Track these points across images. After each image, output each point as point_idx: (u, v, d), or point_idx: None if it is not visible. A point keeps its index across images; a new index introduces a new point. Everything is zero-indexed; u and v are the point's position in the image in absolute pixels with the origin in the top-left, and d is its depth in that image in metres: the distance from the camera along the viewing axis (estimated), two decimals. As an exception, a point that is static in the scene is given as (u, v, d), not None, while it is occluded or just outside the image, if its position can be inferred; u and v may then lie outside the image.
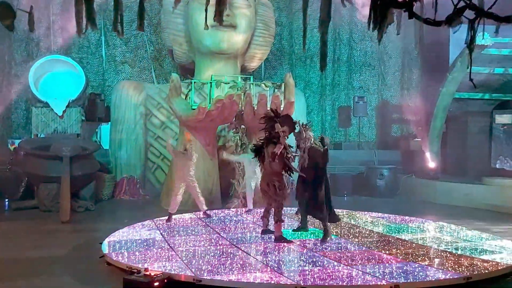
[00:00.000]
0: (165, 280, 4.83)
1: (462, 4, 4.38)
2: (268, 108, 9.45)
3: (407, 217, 8.67)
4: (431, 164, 12.26)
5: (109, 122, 12.52)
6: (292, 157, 6.57)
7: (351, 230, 7.50)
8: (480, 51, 11.21)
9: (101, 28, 13.36)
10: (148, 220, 8.18)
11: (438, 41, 13.09)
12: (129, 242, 6.62)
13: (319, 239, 6.74)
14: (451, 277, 5.02)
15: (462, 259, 5.72)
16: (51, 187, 9.66)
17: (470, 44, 4.70)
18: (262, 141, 6.64)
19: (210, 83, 9.99)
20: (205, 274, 5.00)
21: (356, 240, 6.80)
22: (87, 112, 12.42)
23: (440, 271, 5.24)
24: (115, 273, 5.40)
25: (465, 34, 5.03)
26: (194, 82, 10.34)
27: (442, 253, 6.08)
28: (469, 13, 4.72)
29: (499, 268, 5.42)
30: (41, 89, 11.94)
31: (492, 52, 12.08)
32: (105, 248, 6.21)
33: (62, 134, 11.61)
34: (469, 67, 5.03)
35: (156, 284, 4.70)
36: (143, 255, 5.83)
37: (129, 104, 12.13)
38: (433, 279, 4.96)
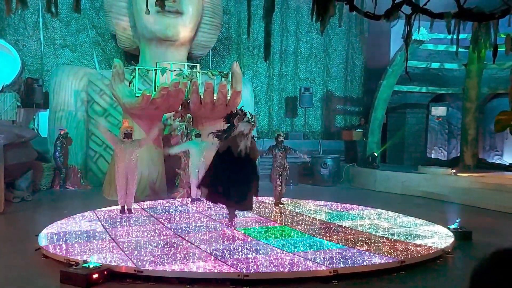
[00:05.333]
0: (105, 272, 4.71)
1: (399, -1, 4.55)
2: (215, 97, 9.45)
3: (348, 205, 8.99)
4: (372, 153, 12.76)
5: (48, 109, 11.94)
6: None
7: (295, 218, 7.67)
8: (418, 46, 11.77)
9: (39, 9, 12.63)
10: (89, 211, 7.92)
11: (380, 35, 13.58)
12: (68, 233, 6.38)
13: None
14: (386, 261, 5.28)
15: (398, 244, 6.03)
16: (-17, 177, 9.07)
17: (407, 38, 4.90)
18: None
19: (155, 70, 9.77)
20: (147, 265, 4.93)
21: (300, 227, 6.96)
22: (24, 97, 11.76)
23: (377, 255, 5.50)
24: (52, 266, 5.18)
25: (403, 29, 5.25)
26: (138, 69, 10.07)
27: (379, 239, 6.36)
28: (407, 9, 4.92)
29: (431, 251, 5.77)
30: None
31: (429, 47, 12.71)
32: (41, 241, 5.95)
33: (-5, 121, 10.93)
34: (406, 60, 5.26)
35: (95, 276, 4.57)
36: (82, 247, 5.65)
37: (69, 90, 11.60)
38: (370, 264, 5.19)
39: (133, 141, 7.98)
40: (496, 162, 13.52)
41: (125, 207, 7.90)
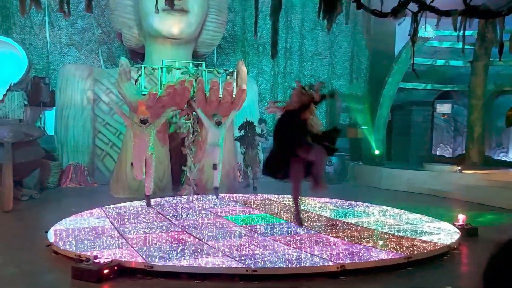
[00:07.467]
0: (115, 267, 4.78)
1: (406, -3, 4.58)
2: (220, 95, 9.49)
3: (353, 202, 9.01)
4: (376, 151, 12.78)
5: (54, 107, 12.03)
6: None
7: (301, 215, 7.69)
8: (424, 43, 11.75)
9: (45, 8, 12.70)
10: (97, 208, 8.00)
11: (385, 32, 13.56)
12: (77, 230, 6.45)
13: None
14: (393, 257, 5.31)
15: (404, 241, 6.05)
16: (-9, 175, 9.17)
17: (413, 35, 4.93)
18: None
19: (161, 68, 9.82)
20: (157, 260, 4.99)
21: (305, 224, 7.00)
22: (31, 96, 11.84)
23: (383, 251, 5.53)
24: (62, 262, 5.26)
25: (409, 26, 5.28)
26: (144, 67, 10.13)
27: (385, 235, 6.40)
28: (413, 7, 4.95)
29: (437, 248, 5.79)
30: (-22, 71, 11.24)
31: (434, 44, 12.69)
32: (51, 237, 6.02)
33: (3, 119, 11.01)
34: (412, 58, 5.28)
35: (106, 271, 4.64)
36: (92, 243, 5.71)
37: (75, 88, 11.68)
38: (376, 259, 5.23)
39: (143, 127, 8.11)
40: (502, 159, 13.49)
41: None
